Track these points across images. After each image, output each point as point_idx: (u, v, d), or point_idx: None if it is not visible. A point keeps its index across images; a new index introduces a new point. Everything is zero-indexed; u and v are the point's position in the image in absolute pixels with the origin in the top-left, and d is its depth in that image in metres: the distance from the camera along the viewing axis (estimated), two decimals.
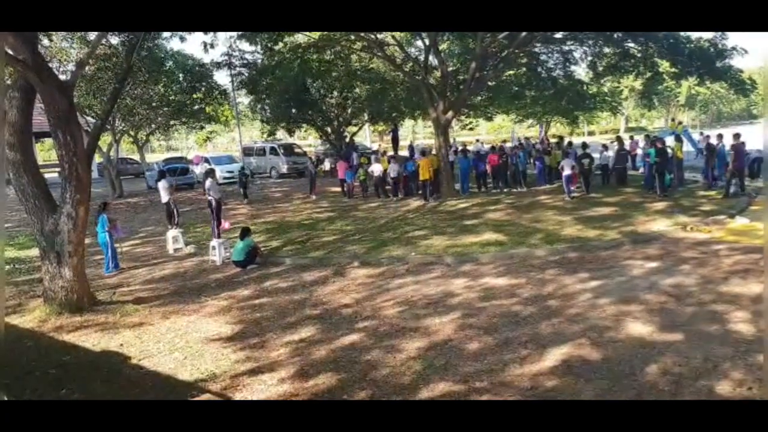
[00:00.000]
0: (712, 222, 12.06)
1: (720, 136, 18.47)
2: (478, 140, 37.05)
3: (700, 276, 8.46)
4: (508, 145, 25.18)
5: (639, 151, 20.80)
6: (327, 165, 29.84)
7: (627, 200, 15.47)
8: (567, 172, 16.63)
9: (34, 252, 11.75)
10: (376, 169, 20.11)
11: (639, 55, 19.55)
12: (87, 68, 18.35)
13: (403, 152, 30.85)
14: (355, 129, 34.53)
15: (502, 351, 6.36)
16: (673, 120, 45.57)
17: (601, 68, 22.03)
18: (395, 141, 35.33)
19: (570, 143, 21.60)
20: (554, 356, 6.10)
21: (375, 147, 36.42)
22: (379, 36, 19.88)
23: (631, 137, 24.83)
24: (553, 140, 26.12)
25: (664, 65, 21.36)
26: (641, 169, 19.14)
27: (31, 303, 9.61)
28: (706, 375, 5.40)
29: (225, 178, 27.60)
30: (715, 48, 17.75)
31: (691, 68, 18.64)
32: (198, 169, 28.66)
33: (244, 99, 32.98)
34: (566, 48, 21.47)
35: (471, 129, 41.85)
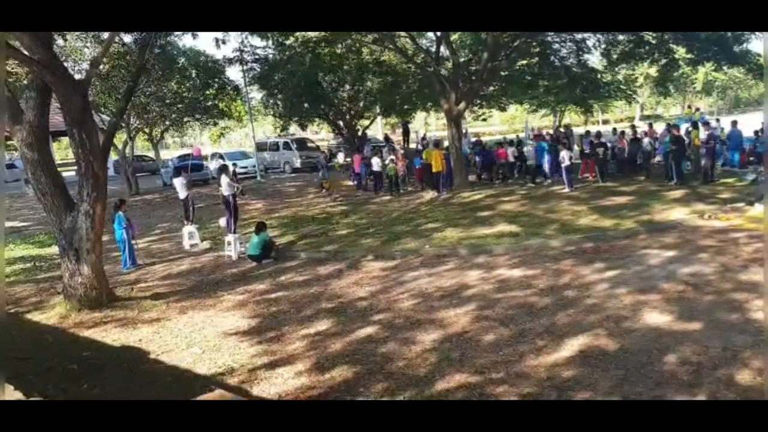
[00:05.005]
0: (730, 210, 11.90)
1: (734, 123, 18.22)
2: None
3: (719, 264, 8.36)
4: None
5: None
6: (340, 158, 29.91)
7: (643, 189, 15.31)
8: (566, 163, 16.46)
9: (54, 250, 11.91)
10: (374, 163, 20.14)
11: (654, 41, 19.26)
12: (101, 67, 18.49)
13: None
14: (367, 122, 34.50)
15: (518, 342, 6.34)
16: (689, 107, 44.91)
17: (615, 56, 21.74)
18: (406, 134, 35.37)
19: (587, 132, 21.47)
20: (571, 347, 6.07)
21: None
22: None
23: (650, 125, 24.50)
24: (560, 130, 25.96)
25: (680, 51, 21.05)
26: (658, 158, 18.91)
27: (51, 300, 9.76)
28: (725, 364, 5.35)
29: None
30: (732, 33, 17.45)
31: (708, 54, 18.35)
32: (213, 165, 28.84)
33: (256, 94, 33.04)
34: (579, 36, 21.21)
35: (484, 120, 41.58)
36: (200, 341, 7.34)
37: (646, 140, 18.49)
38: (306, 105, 28.83)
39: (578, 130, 27.54)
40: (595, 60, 26.90)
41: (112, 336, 7.84)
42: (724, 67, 22.68)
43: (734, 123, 18.21)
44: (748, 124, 19.34)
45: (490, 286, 8.48)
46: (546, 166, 18.97)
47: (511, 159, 19.71)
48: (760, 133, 17.49)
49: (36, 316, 9.00)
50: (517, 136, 29.64)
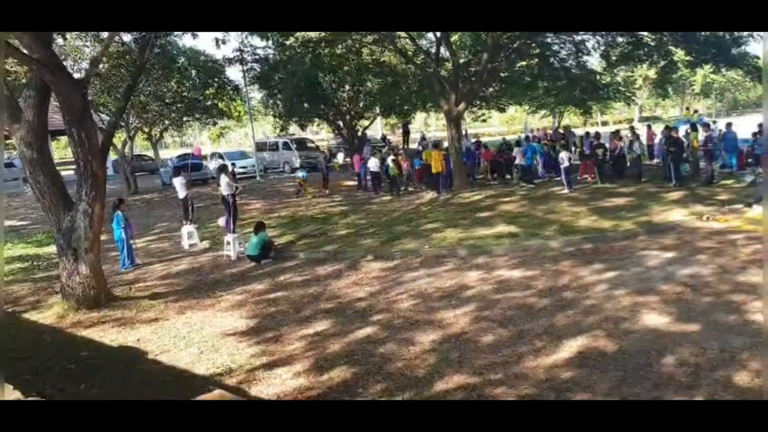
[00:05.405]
0: (728, 211, 11.91)
1: (729, 125, 18.25)
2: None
3: (717, 266, 8.37)
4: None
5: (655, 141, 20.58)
6: (340, 159, 29.98)
7: (642, 190, 15.32)
8: (565, 164, 16.47)
9: (52, 249, 11.90)
10: (372, 164, 20.12)
11: (653, 43, 19.28)
12: (101, 66, 18.48)
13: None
14: (367, 123, 34.54)
15: (517, 343, 6.34)
16: (687, 109, 44.91)
17: (614, 58, 21.78)
18: (406, 135, 35.47)
19: (587, 133, 21.54)
20: (569, 348, 6.07)
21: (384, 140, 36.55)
22: None
23: (648, 126, 24.52)
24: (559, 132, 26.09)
25: (679, 53, 21.07)
26: (656, 159, 18.93)
27: (49, 299, 9.74)
28: (723, 366, 5.35)
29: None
30: (731, 35, 17.46)
31: (706, 56, 18.37)
32: (212, 165, 28.85)
33: (256, 94, 33.08)
34: (579, 38, 21.24)
35: (484, 121, 41.61)
36: (198, 341, 7.32)
37: (636, 144, 18.47)
38: (306, 105, 28.86)
39: (577, 132, 27.60)
40: (594, 62, 26.96)
41: (110, 336, 7.82)
42: (723, 69, 22.69)
43: (729, 125, 18.24)
44: (747, 126, 19.34)
45: (489, 286, 8.48)
46: (539, 167, 19.05)
47: (521, 161, 19.54)
48: (757, 135, 17.50)
49: (34, 316, 8.98)
50: (519, 136, 29.72)
